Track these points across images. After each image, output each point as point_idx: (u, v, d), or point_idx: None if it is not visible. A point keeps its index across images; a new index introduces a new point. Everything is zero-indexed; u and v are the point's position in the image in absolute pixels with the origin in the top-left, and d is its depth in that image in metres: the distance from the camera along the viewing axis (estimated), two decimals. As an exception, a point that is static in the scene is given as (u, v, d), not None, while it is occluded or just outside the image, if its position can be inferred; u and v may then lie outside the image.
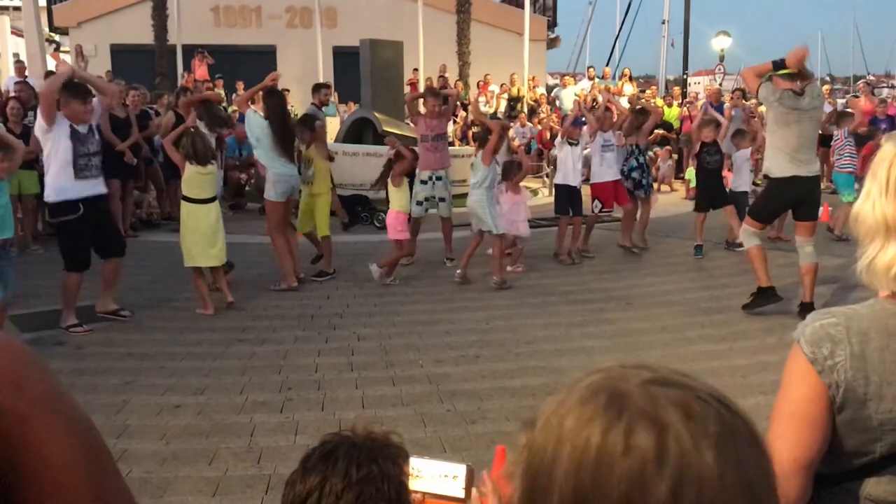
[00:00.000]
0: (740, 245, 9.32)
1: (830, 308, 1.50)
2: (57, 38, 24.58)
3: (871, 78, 41.46)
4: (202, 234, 6.80)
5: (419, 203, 8.67)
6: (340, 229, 10.25)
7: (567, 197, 8.73)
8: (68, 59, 20.62)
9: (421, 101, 9.50)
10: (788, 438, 1.44)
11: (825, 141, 11.40)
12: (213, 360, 5.59)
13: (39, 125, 6.12)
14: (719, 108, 12.86)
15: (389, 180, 7.96)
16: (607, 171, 9.07)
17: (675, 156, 14.78)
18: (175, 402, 4.81)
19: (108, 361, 5.59)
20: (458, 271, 7.86)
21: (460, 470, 1.39)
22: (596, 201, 9.11)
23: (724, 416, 0.70)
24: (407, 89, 15.06)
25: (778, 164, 6.39)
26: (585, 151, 9.23)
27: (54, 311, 6.46)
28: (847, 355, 1.41)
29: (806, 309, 6.52)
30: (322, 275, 8.05)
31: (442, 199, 8.71)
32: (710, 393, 0.71)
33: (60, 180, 6.11)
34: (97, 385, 5.08)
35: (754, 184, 10.29)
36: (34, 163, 8.87)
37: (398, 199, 7.99)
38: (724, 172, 10.24)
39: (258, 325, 6.50)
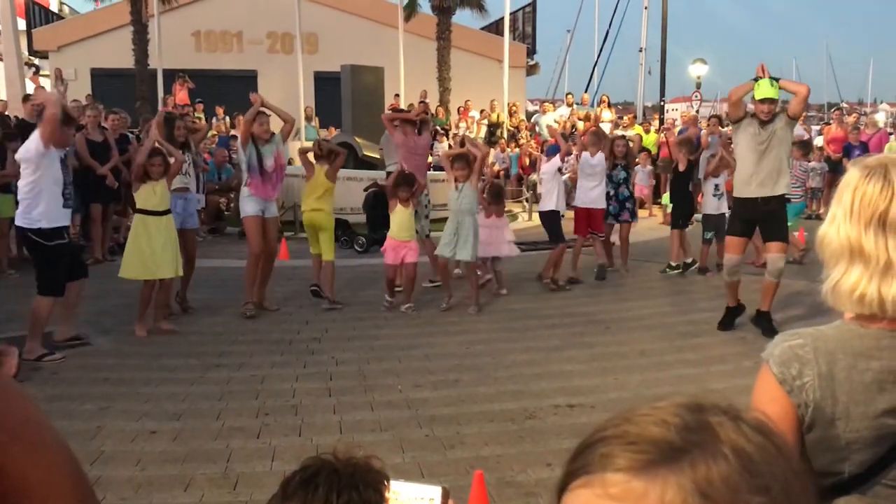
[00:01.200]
0: (708, 270, 9.50)
1: (798, 329, 1.53)
2: (37, 61, 24.48)
3: (845, 105, 42.16)
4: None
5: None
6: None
7: (553, 224, 8.67)
8: (47, 83, 20.56)
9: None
10: None
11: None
12: (189, 386, 5.54)
13: (37, 149, 5.94)
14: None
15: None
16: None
17: (651, 167, 14.84)
18: (151, 428, 4.75)
19: (83, 387, 5.52)
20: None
21: (436, 492, 1.39)
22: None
23: None
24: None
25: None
26: (564, 177, 9.28)
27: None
28: (815, 375, 1.43)
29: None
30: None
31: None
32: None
33: (52, 207, 6.05)
34: (72, 411, 5.01)
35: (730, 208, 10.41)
36: (9, 186, 8.80)
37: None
38: (699, 199, 10.35)
39: (235, 350, 6.45)
